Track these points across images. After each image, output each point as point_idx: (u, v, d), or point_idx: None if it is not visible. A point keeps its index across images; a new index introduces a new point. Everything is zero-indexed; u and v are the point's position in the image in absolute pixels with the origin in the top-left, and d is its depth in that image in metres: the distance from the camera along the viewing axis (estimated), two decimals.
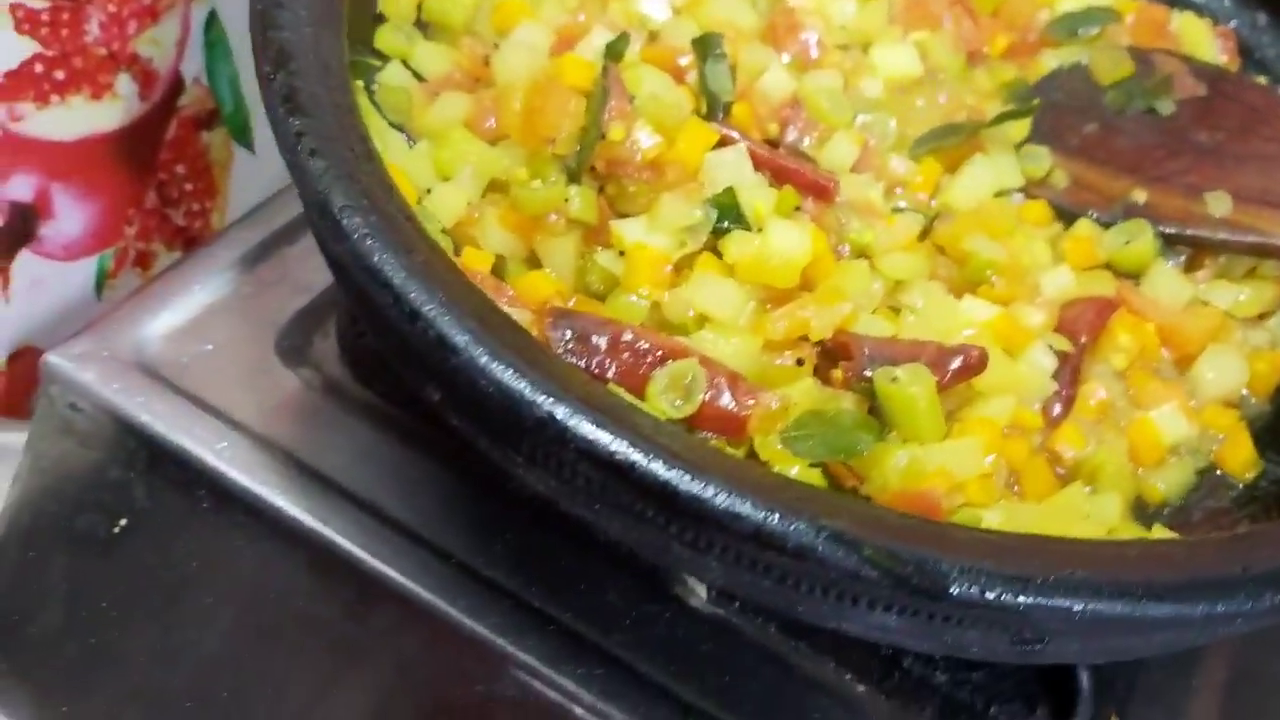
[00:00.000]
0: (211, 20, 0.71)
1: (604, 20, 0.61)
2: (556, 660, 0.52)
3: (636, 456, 0.40)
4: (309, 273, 0.66)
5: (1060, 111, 0.68)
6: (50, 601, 0.61)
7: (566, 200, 0.53)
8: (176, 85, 0.71)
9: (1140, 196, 0.64)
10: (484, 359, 0.41)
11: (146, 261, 0.73)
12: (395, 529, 0.56)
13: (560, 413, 0.41)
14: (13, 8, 0.58)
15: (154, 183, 0.72)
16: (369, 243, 0.43)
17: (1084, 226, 0.62)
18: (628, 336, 0.47)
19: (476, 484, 0.57)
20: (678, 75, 0.59)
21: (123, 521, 0.59)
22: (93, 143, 0.66)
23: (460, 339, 0.41)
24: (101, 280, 0.71)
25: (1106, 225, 0.63)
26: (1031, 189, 0.64)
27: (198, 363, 0.61)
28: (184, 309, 0.63)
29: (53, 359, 0.59)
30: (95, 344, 0.60)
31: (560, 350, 0.47)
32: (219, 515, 0.57)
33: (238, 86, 0.75)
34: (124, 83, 0.66)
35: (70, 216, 0.66)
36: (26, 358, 0.68)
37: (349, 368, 0.62)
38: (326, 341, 0.64)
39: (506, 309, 0.49)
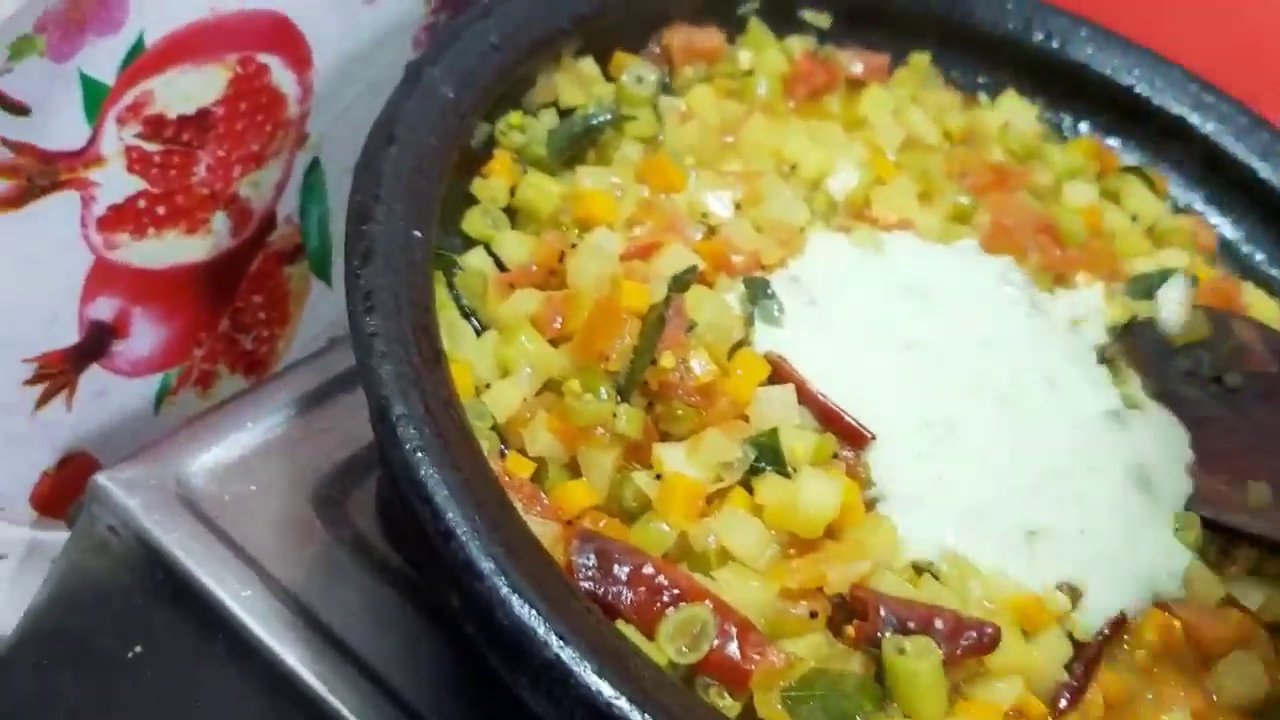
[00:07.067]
0: (314, 166, 0.75)
1: (672, 229, 0.63)
2: None
3: (634, 715, 0.41)
4: (359, 425, 0.67)
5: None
6: (53, 714, 0.62)
7: (614, 416, 0.54)
8: (269, 223, 0.74)
9: None
10: (504, 590, 0.42)
11: (208, 381, 0.76)
12: (397, 704, 0.56)
13: (567, 656, 0.42)
14: (128, 149, 0.61)
15: (230, 310, 0.74)
16: (418, 456, 0.45)
17: None
18: (648, 569, 0.48)
19: (486, 672, 0.58)
20: (729, 269, 0.62)
21: (138, 648, 0.61)
22: (178, 271, 0.69)
23: (485, 566, 0.43)
24: (162, 396, 0.73)
25: None
26: None
27: (238, 503, 0.62)
28: (235, 446, 0.65)
29: (101, 480, 0.61)
30: (144, 471, 0.62)
31: (581, 576, 0.48)
32: (229, 661, 0.58)
33: (325, 224, 0.78)
34: (219, 219, 0.69)
35: (144, 337, 0.69)
36: (76, 463, 0.70)
37: (382, 528, 0.64)
38: (364, 496, 0.65)
39: (537, 520, 0.50)
